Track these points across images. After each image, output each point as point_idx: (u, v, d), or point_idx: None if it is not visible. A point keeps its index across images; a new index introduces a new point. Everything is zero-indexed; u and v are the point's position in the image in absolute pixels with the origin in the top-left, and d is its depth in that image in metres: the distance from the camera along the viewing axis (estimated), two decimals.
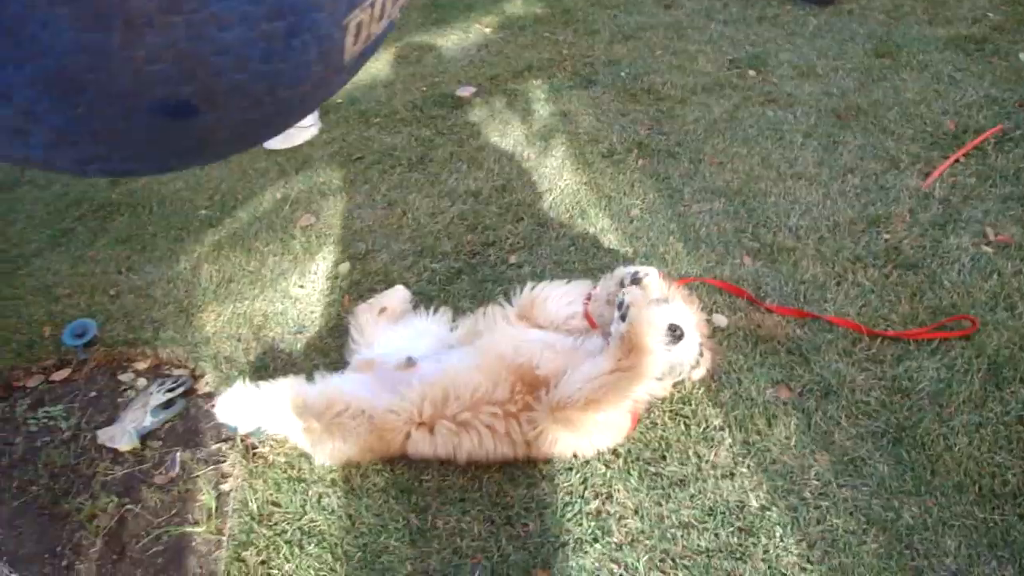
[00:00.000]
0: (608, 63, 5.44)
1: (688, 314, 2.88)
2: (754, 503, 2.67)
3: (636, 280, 2.96)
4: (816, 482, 2.72)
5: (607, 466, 2.83)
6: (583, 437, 2.76)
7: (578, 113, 4.86)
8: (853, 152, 4.22)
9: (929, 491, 2.66)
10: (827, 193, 3.96)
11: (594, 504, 2.73)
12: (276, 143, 5.01)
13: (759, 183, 4.06)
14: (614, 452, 2.87)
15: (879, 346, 3.15)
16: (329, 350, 3.42)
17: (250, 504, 2.85)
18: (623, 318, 2.71)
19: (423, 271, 3.78)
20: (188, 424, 3.25)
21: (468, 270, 3.75)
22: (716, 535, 2.59)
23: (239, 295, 3.81)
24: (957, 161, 4.02)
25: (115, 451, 3.14)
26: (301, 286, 3.81)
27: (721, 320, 3.31)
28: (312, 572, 2.63)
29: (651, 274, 3.00)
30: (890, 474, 2.71)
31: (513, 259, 3.78)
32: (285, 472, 2.96)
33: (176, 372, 3.48)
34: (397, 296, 3.47)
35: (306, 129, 5.06)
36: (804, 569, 2.48)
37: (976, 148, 4.09)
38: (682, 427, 2.95)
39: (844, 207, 3.85)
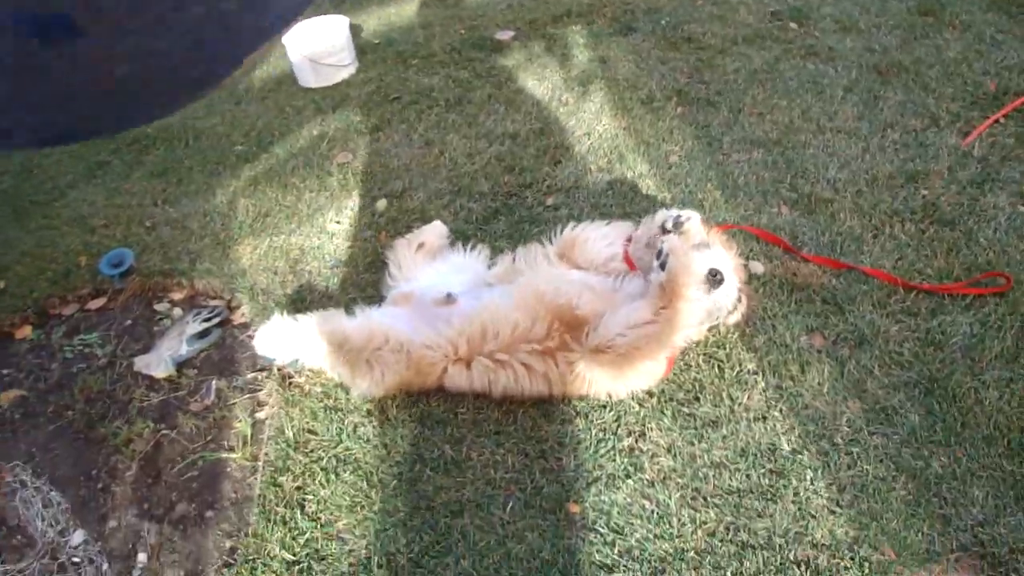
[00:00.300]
0: (648, 11, 5.39)
1: (727, 259, 2.91)
2: (786, 446, 2.71)
3: (678, 224, 2.98)
4: (847, 429, 2.76)
5: (641, 405, 2.88)
6: (619, 380, 2.80)
7: (617, 60, 4.83)
8: (893, 108, 4.19)
9: (959, 442, 2.69)
10: (866, 147, 3.94)
11: (627, 441, 2.78)
12: (311, 81, 5.02)
13: (798, 135, 4.05)
14: (648, 392, 2.91)
15: (913, 299, 3.16)
16: (366, 285, 3.46)
17: (286, 431, 2.91)
18: (663, 267, 2.73)
19: (460, 210, 3.81)
20: (224, 353, 3.31)
21: (505, 211, 3.78)
22: (747, 476, 2.64)
23: (275, 229, 3.85)
24: (997, 122, 3.99)
25: (151, 378, 3.21)
26: (338, 222, 3.85)
27: (758, 267, 3.33)
28: (348, 498, 2.69)
29: (693, 218, 3.02)
30: (921, 424, 2.75)
31: (550, 201, 3.80)
32: (321, 402, 3.02)
33: (212, 303, 3.54)
34: (435, 231, 3.50)
35: (343, 68, 5.06)
36: (833, 512, 2.52)
37: (1016, 110, 4.06)
38: (716, 370, 2.98)
39: (883, 162, 3.84)
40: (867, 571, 2.37)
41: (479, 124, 4.42)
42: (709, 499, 2.59)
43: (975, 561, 2.41)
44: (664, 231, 2.98)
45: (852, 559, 2.40)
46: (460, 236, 3.60)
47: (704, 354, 3.04)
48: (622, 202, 3.74)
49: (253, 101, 5.07)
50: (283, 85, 5.23)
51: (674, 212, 3.05)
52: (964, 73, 4.41)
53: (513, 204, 3.82)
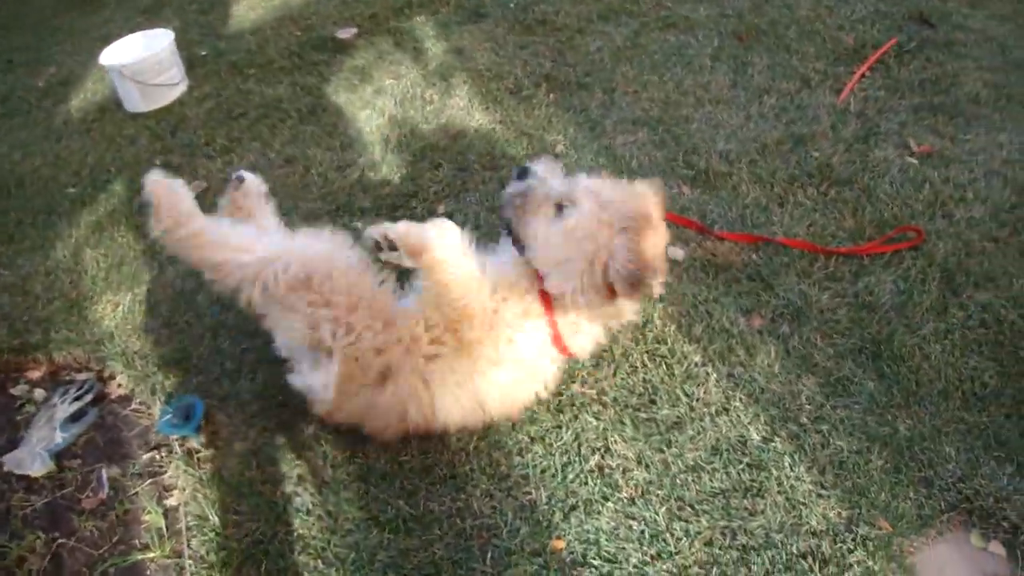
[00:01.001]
0: None
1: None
2: (756, 436, 2.61)
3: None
4: (809, 406, 2.69)
5: (597, 418, 2.70)
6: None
7: (474, 49, 4.61)
8: (763, 73, 4.20)
9: (917, 401, 2.67)
10: (748, 115, 3.92)
11: (594, 460, 2.59)
12: (139, 105, 4.51)
13: (679, 110, 3.98)
14: (601, 402, 2.74)
15: (835, 264, 3.14)
16: (257, 332, 3.10)
17: (210, 517, 2.54)
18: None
19: (344, 230, 3.48)
20: (107, 435, 2.87)
21: None
22: (727, 474, 2.52)
23: (135, 279, 3.40)
24: (863, 76, 4.07)
25: (27, 478, 2.73)
26: None
27: (678, 253, 3.22)
28: None
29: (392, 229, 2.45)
30: (877, 389, 2.72)
31: (441, 208, 3.55)
32: (241, 474, 2.65)
33: (79, 377, 3.07)
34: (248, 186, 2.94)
35: (173, 87, 4.58)
36: (821, 495, 2.44)
37: (878, 62, 4.15)
38: (663, 368, 2.84)
39: (767, 128, 3.82)
40: (871, 549, 2.30)
41: (341, 133, 4.10)
42: (696, 506, 2.44)
43: (964, 517, 2.39)
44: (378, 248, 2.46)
45: (853, 540, 2.33)
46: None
47: (647, 352, 2.90)
48: None
49: (75, 135, 4.50)
50: (107, 113, 4.67)
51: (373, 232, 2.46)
52: (820, 30, 4.48)
53: (401, 216, 3.53)
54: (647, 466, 2.56)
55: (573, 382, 2.80)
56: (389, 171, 3.77)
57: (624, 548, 2.36)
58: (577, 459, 2.59)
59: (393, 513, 2.49)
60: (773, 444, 2.58)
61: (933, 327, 2.89)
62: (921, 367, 2.77)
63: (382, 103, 4.24)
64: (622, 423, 2.68)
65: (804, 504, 2.42)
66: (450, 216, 3.45)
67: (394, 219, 3.14)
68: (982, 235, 3.22)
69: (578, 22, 4.78)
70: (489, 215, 3.47)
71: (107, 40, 4.79)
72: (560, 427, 2.68)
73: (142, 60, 4.43)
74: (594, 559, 2.34)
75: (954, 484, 2.45)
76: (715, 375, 2.80)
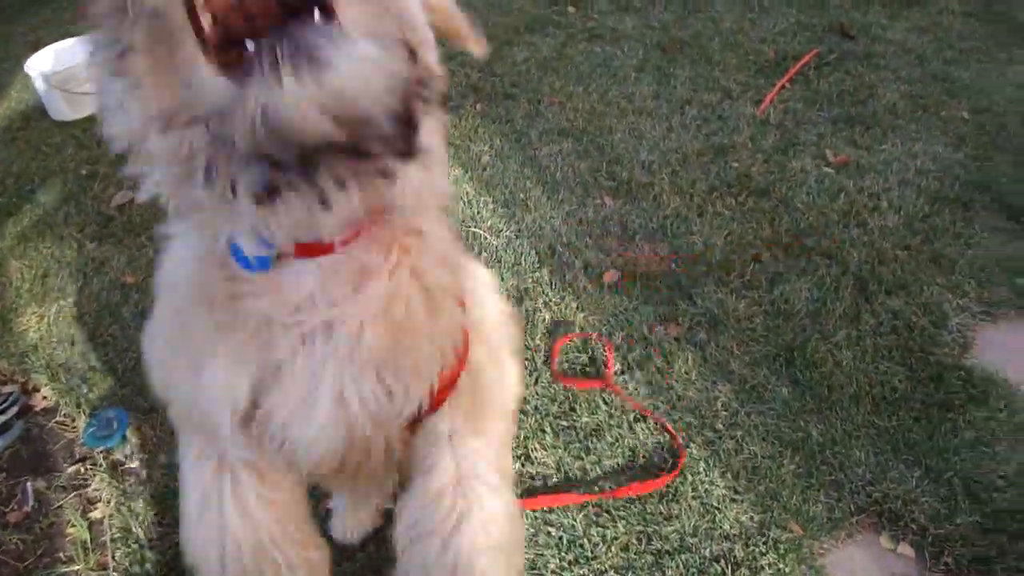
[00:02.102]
0: None
1: None
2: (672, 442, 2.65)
3: None
4: (725, 412, 2.73)
5: (518, 427, 2.71)
6: None
7: None
8: (686, 84, 4.27)
9: (829, 407, 2.74)
10: (670, 127, 3.98)
11: (515, 468, 2.60)
12: (66, 113, 4.42)
13: (603, 120, 4.03)
14: (522, 411, 2.75)
15: (752, 272, 3.20)
16: None
17: (133, 529, 2.49)
18: None
19: None
20: (33, 447, 2.80)
21: None
22: (643, 480, 2.55)
23: (61, 291, 3.33)
24: (783, 87, 4.16)
25: None
26: (132, 273, 3.38)
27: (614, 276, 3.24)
28: None
29: None
30: (791, 395, 2.77)
31: None
32: (165, 486, 2.61)
33: (3, 389, 2.99)
34: None
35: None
36: (735, 500, 2.48)
37: (798, 73, 4.25)
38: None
39: (688, 139, 3.89)
40: (782, 551, 2.34)
41: None
42: (613, 512, 2.46)
43: (874, 519, 2.45)
44: None
45: (765, 543, 2.37)
46: None
47: (567, 362, 2.92)
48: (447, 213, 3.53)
49: (0, 143, 4.40)
50: (33, 121, 4.56)
51: None
52: (743, 43, 4.57)
53: None
54: (566, 473, 2.57)
55: None
56: None
57: (543, 555, 2.36)
58: None
59: (324, 513, 2.47)
60: (689, 450, 2.62)
61: (845, 334, 2.96)
62: (833, 373, 2.84)
63: None
64: (542, 431, 2.69)
65: (718, 508, 2.46)
66: None
67: None
68: (895, 243, 3.31)
69: (506, 33, 4.82)
70: None
71: (36, 46, 4.69)
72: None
73: (69, 68, 4.34)
74: None
75: (864, 487, 2.51)
76: (633, 383, 2.83)
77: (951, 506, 2.48)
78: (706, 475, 2.55)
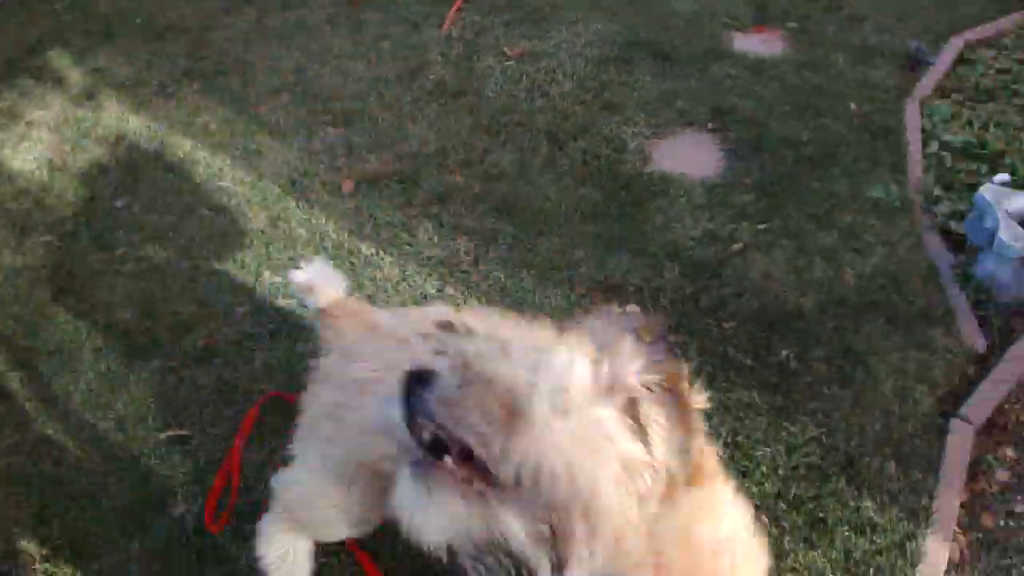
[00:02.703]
0: (120, 12, 5.25)
1: None
2: (431, 290, 3.11)
3: None
4: (468, 257, 3.24)
5: None
6: None
7: (112, 66, 4.74)
8: (377, 26, 4.74)
9: (549, 229, 3.32)
10: (369, 61, 4.44)
11: None
12: None
13: (310, 71, 4.42)
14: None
15: (465, 151, 3.73)
16: None
17: None
18: None
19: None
20: None
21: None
22: None
23: None
24: (460, 8, 4.73)
25: None
26: None
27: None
28: None
29: None
30: (517, 230, 3.34)
31: (119, 203, 3.71)
32: None
33: None
34: None
35: None
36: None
37: None
38: (346, 265, 3.27)
39: (388, 67, 4.37)
40: None
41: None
42: None
43: (602, 295, 3.05)
44: None
45: None
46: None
47: (329, 256, 3.31)
48: (193, 188, 3.76)
49: None
50: None
51: None
52: None
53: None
54: None
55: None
56: (60, 186, 3.84)
57: None
58: None
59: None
60: (445, 291, 3.09)
61: (547, 177, 3.55)
62: (545, 206, 3.41)
63: (37, 133, 4.27)
64: None
65: None
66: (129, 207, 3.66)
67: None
68: (573, 102, 3.96)
69: (204, 19, 5.06)
70: (224, 239, 3.58)
71: None
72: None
73: None
74: None
75: (589, 277, 3.09)
76: (388, 257, 3.26)
77: (658, 268, 3.12)
78: (464, 300, 3.03)
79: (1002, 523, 2.44)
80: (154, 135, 4.07)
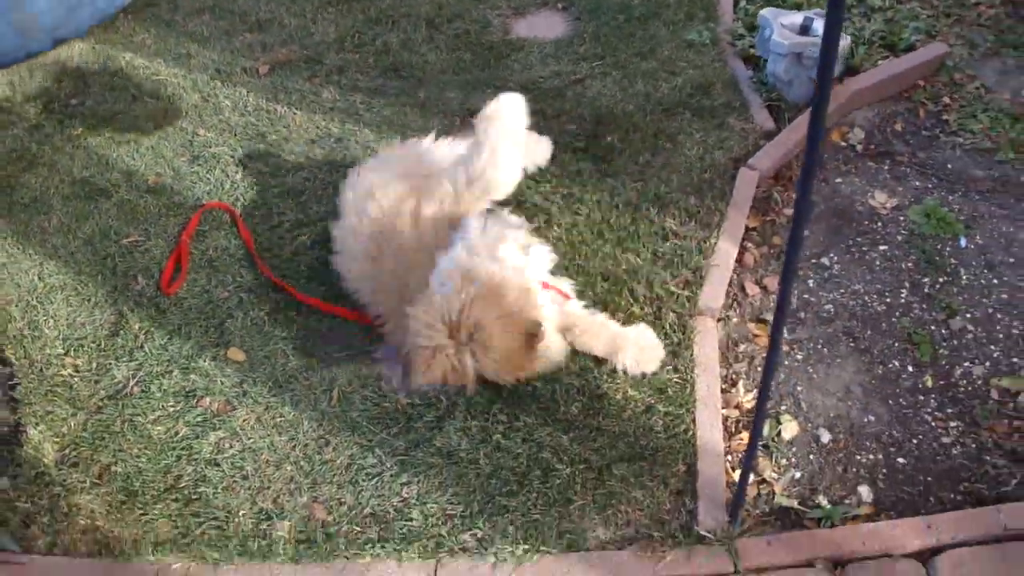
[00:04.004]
0: None
1: None
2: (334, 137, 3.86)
3: None
4: (363, 107, 3.99)
5: None
6: None
7: None
8: None
9: (428, 81, 4.07)
10: None
11: None
12: None
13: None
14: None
15: (359, 37, 4.49)
16: None
17: None
18: None
19: None
20: None
21: None
22: None
23: None
24: None
25: None
26: None
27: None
28: None
29: None
30: (400, 88, 4.10)
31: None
32: None
33: None
34: None
35: None
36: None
37: None
38: None
39: None
40: None
41: None
42: None
43: None
44: None
45: None
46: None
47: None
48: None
49: None
50: None
51: None
52: None
53: None
54: None
55: None
56: (21, 98, 4.47)
57: None
58: None
59: None
60: (346, 127, 3.84)
61: (427, 47, 4.34)
62: (425, 67, 4.20)
63: None
64: None
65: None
66: (82, 103, 4.35)
67: None
68: None
69: None
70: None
71: None
72: None
73: None
74: None
75: (460, 107, 3.88)
76: (298, 112, 4.01)
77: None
78: (359, 132, 3.79)
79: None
80: (98, 55, 4.75)
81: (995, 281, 3.07)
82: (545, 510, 2.48)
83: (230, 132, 3.92)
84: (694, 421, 2.61)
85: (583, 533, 2.43)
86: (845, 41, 3.68)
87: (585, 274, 3.06)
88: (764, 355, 2.44)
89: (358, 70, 4.24)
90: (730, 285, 3.06)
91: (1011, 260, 3.13)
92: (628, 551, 2.38)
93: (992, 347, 2.89)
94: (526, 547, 2.40)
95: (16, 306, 3.24)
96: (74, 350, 3.08)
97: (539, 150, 3.39)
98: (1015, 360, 2.84)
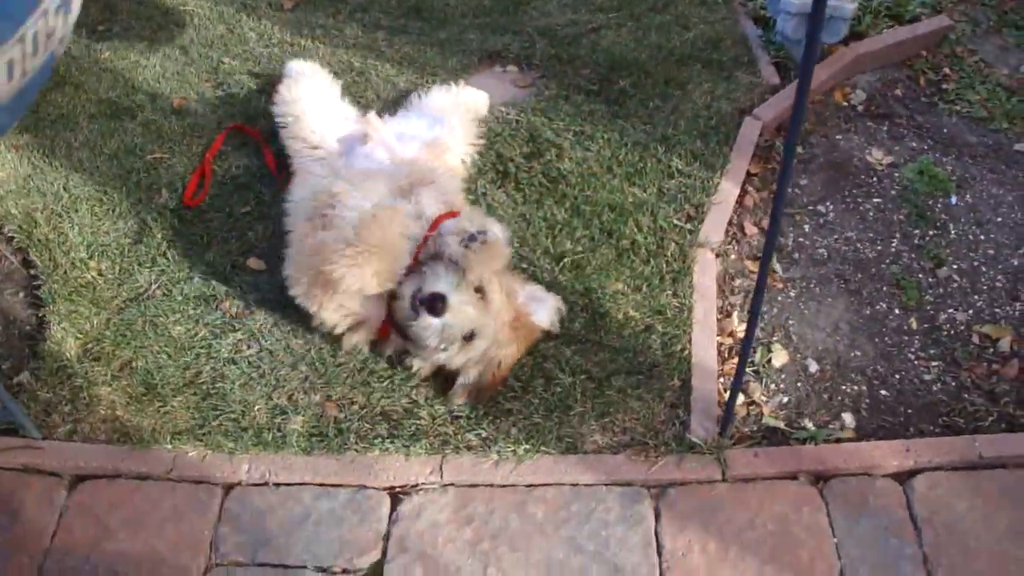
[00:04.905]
0: None
1: None
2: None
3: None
4: (384, 40, 4.11)
5: None
6: None
7: None
8: None
9: (447, 20, 4.19)
10: None
11: None
12: None
13: None
14: None
15: None
16: None
17: None
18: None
19: None
20: None
21: None
22: None
23: None
24: None
25: None
26: None
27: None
28: None
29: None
30: (423, 26, 4.21)
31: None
32: None
33: None
34: None
35: None
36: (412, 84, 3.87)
37: None
38: None
39: None
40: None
41: None
42: None
43: (488, 61, 3.93)
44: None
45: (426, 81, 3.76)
46: None
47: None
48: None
49: None
50: None
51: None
52: None
53: None
54: None
55: None
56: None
57: None
58: None
59: None
60: (367, 63, 3.96)
61: None
62: (447, 9, 4.31)
63: None
64: None
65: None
66: (109, 29, 4.46)
67: None
68: None
69: None
70: None
71: None
72: None
73: None
74: None
75: (479, 48, 4.00)
76: (322, 46, 4.12)
77: (532, 42, 4.01)
78: (380, 68, 3.91)
79: (790, 190, 3.39)
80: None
81: (982, 237, 3.23)
82: (546, 415, 2.64)
83: (254, 62, 4.03)
84: (690, 341, 2.77)
85: (581, 437, 2.59)
86: (852, 5, 3.80)
87: (593, 204, 3.20)
88: None
89: (381, 9, 4.35)
90: (730, 224, 3.21)
91: (999, 220, 3.29)
92: (623, 455, 2.55)
93: (976, 296, 3.05)
94: (527, 447, 2.56)
95: (41, 213, 3.34)
96: (98, 255, 3.20)
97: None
98: (997, 311, 3.00)
